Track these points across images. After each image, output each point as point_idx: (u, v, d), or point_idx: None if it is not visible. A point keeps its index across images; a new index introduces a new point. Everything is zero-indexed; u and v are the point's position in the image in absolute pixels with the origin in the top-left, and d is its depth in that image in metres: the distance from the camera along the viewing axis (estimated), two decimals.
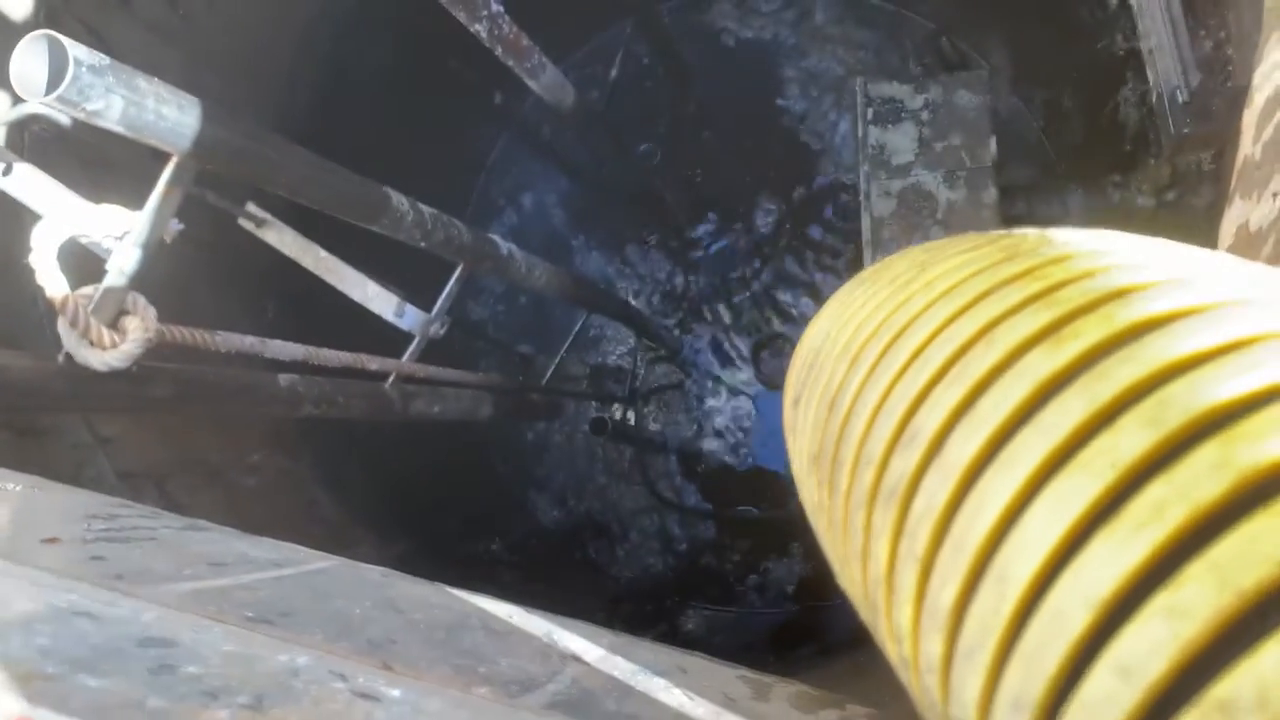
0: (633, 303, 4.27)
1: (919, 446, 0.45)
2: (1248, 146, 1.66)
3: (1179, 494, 0.35)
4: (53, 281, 1.45)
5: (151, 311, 1.61)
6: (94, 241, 1.57)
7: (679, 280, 4.42)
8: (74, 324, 1.49)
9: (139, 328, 1.58)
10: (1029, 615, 0.37)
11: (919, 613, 0.44)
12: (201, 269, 2.87)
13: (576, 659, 0.64)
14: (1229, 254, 0.50)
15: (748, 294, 4.34)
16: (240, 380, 2.01)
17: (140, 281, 1.60)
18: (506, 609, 0.72)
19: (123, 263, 1.55)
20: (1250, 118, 1.69)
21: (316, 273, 2.58)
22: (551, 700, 0.56)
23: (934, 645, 0.42)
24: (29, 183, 1.65)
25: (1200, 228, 2.73)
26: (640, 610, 4.12)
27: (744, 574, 4.18)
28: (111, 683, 0.46)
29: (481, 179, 4.58)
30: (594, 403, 4.33)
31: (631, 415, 4.34)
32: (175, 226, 1.62)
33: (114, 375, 1.58)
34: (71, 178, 1.67)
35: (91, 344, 1.52)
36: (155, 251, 1.58)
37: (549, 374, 4.10)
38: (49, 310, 1.58)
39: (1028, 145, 3.76)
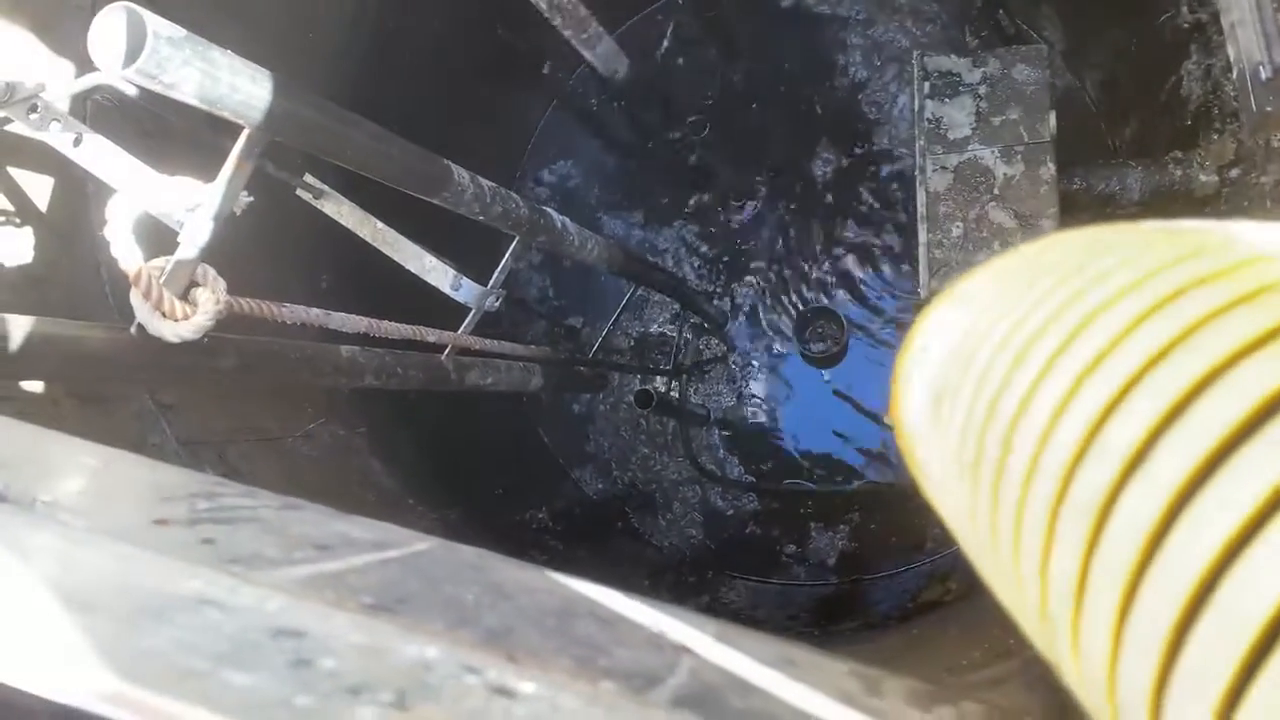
0: (679, 276, 4.25)
1: (1117, 458, 0.42)
2: None
3: None
4: (128, 254, 1.47)
5: (221, 283, 1.63)
6: (166, 214, 1.58)
7: (724, 254, 4.40)
8: (147, 296, 1.50)
9: (210, 299, 1.60)
10: (1262, 658, 0.35)
11: (1121, 638, 0.42)
12: (261, 238, 2.89)
13: (688, 650, 0.64)
14: None
15: (794, 269, 4.31)
16: (304, 351, 2.02)
17: (207, 253, 1.61)
18: (609, 594, 0.72)
19: (195, 235, 1.56)
20: None
21: (374, 244, 2.60)
22: (676, 696, 0.56)
23: (1145, 672, 0.40)
24: (99, 154, 1.67)
25: (1267, 206, 2.67)
26: (682, 580, 4.14)
27: (786, 546, 4.18)
28: (256, 679, 0.46)
29: (528, 150, 4.56)
30: (639, 376, 4.33)
31: (676, 388, 4.34)
32: (246, 199, 1.62)
33: (184, 347, 1.59)
34: (131, 147, 1.68)
35: (164, 315, 1.53)
36: (225, 224, 1.59)
37: (596, 347, 4.10)
38: (115, 282, 1.60)
39: (1086, 120, 3.69)
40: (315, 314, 1.94)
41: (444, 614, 0.62)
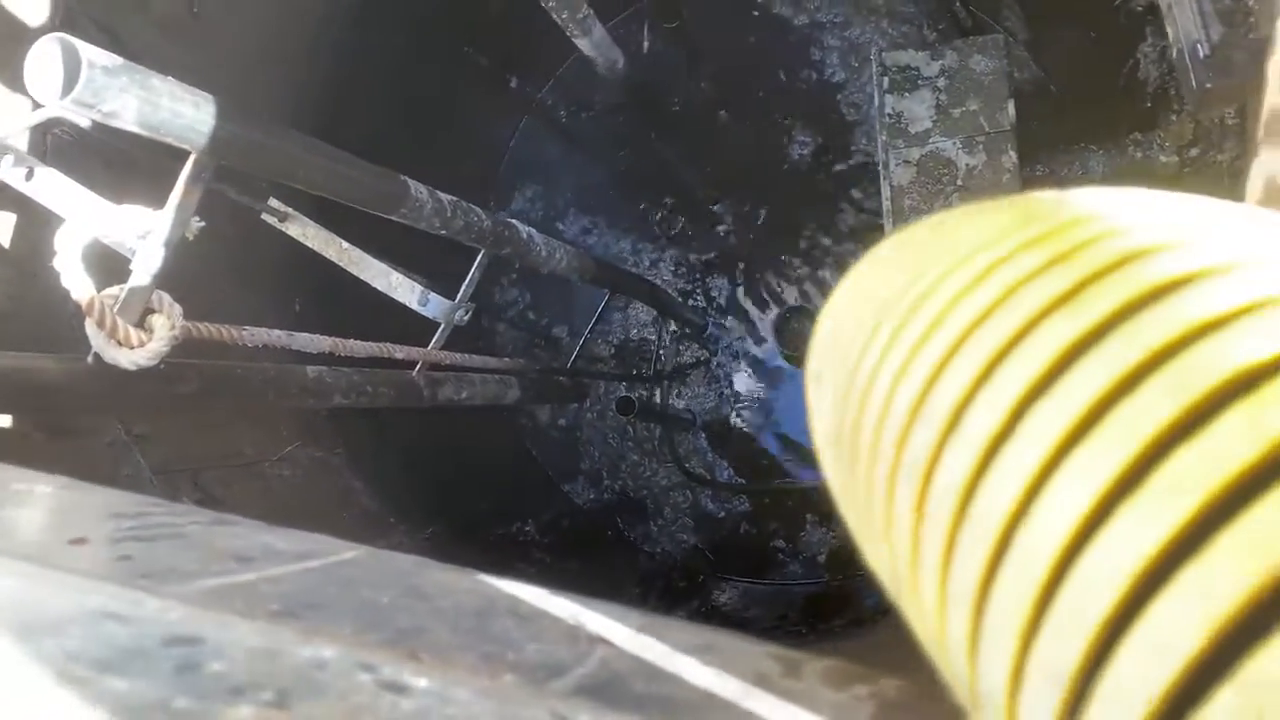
0: (655, 282, 4.26)
1: (938, 420, 0.44)
2: (1274, 96, 1.63)
3: (1205, 462, 0.33)
4: (78, 283, 1.47)
5: (177, 309, 1.63)
6: (118, 242, 1.59)
7: (702, 257, 4.42)
8: (101, 324, 1.51)
9: (165, 326, 1.60)
10: (1055, 593, 0.36)
11: (944, 592, 0.43)
12: (229, 264, 2.89)
13: (605, 641, 0.64)
14: (1258, 207, 0.48)
15: (773, 269, 4.32)
16: (268, 374, 2.03)
17: (167, 279, 1.61)
18: (535, 592, 0.72)
19: (147, 262, 1.56)
20: (1275, 67, 1.66)
21: (340, 264, 2.61)
22: (579, 684, 0.56)
23: (960, 624, 0.42)
24: (52, 186, 1.67)
25: (1225, 183, 2.70)
26: (674, 585, 4.14)
27: (775, 546, 4.19)
28: (138, 683, 0.47)
29: (502, 165, 4.58)
30: (621, 383, 4.34)
31: (658, 394, 4.35)
32: (197, 224, 1.63)
33: (143, 374, 1.60)
34: (95, 178, 1.69)
35: (119, 344, 1.54)
36: (178, 249, 1.60)
37: (574, 355, 4.11)
38: (80, 314, 1.60)
39: (1047, 106, 3.71)
40: (277, 335, 1.94)
41: (353, 617, 0.62)
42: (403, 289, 2.65)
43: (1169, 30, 1.84)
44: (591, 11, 3.16)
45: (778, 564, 4.16)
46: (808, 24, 4.28)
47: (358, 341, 2.16)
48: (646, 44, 4.07)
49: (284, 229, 2.60)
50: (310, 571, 0.72)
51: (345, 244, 2.62)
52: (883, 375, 0.50)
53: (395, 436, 3.52)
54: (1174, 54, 1.81)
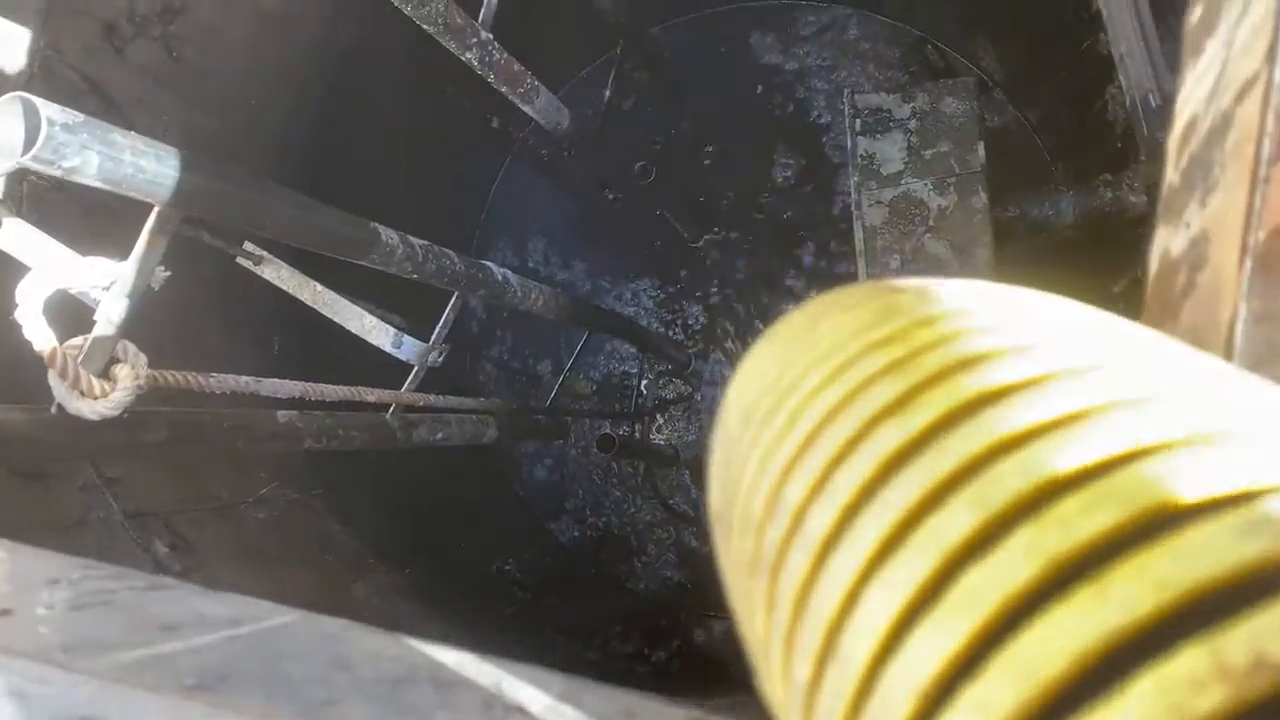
0: (636, 320, 4.29)
1: (785, 517, 0.45)
2: (1170, 172, 1.66)
3: (990, 581, 0.34)
4: (39, 335, 1.49)
5: (142, 359, 1.65)
6: (82, 292, 1.60)
7: (686, 294, 4.44)
8: (64, 375, 1.52)
9: (129, 375, 1.61)
10: (866, 699, 0.37)
11: (787, 688, 0.44)
12: (207, 307, 2.90)
13: (521, 710, 0.65)
14: (1107, 312, 0.49)
15: (754, 306, 4.35)
16: (237, 419, 2.04)
17: (139, 326, 1.63)
18: (458, 658, 0.73)
19: (110, 312, 1.58)
20: (1171, 143, 1.70)
21: (314, 307, 2.62)
22: None
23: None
24: (18, 236, 1.69)
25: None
26: (655, 625, 4.13)
27: None
28: None
29: (486, 205, 4.61)
30: (605, 420, 4.35)
31: (640, 431, 4.36)
32: (163, 274, 1.65)
33: (109, 423, 1.61)
34: (73, 225, 1.70)
35: (82, 394, 1.55)
36: (142, 300, 1.61)
37: (554, 392, 4.12)
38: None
39: (1017, 148, 3.76)
40: (245, 381, 1.96)
41: (267, 690, 0.63)
42: (376, 331, 2.66)
43: (1122, 80, 1.88)
44: (536, 83, 3.21)
45: None
46: (795, 69, 4.33)
47: (329, 385, 2.18)
48: (608, 92, 4.11)
49: (259, 271, 2.61)
50: (235, 640, 0.73)
51: (319, 286, 2.64)
52: (747, 464, 0.51)
53: (374, 476, 3.52)
54: (1127, 102, 1.85)
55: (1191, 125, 0.79)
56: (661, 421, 4.40)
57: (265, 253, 2.61)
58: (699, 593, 4.23)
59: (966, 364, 0.42)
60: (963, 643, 0.34)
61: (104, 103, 2.69)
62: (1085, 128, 3.32)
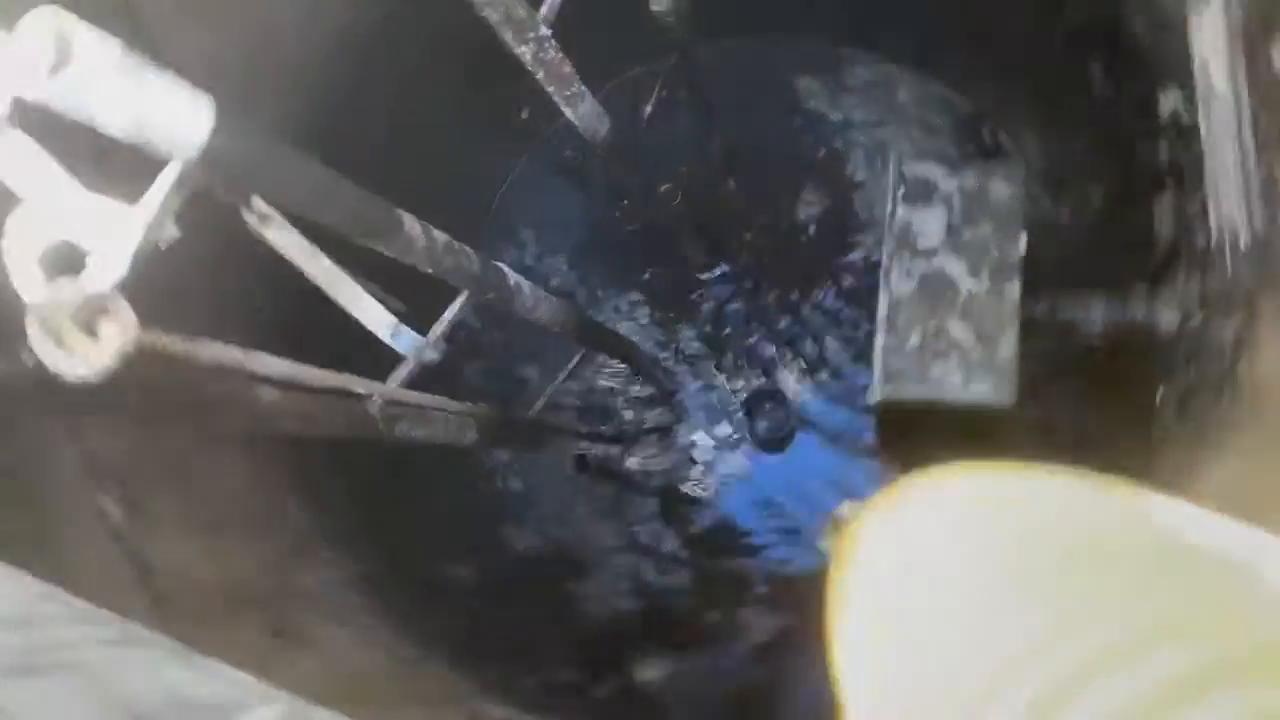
0: (633, 343, 4.18)
1: None
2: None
3: None
4: (27, 277, 1.35)
5: (133, 320, 1.50)
6: (80, 235, 1.46)
7: (680, 326, 4.35)
8: (46, 328, 1.38)
9: (117, 335, 1.47)
10: None
11: None
12: (195, 258, 2.75)
13: None
14: None
15: (749, 351, 4.26)
16: (220, 392, 1.89)
17: (123, 287, 1.48)
18: None
19: (108, 265, 1.43)
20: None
21: (315, 279, 2.48)
22: None
23: None
24: (17, 156, 1.53)
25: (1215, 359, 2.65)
26: (596, 655, 4.01)
27: (711, 624, 4.08)
28: None
29: (498, 198, 4.50)
30: (584, 439, 4.23)
31: (617, 455, 4.25)
32: (172, 233, 1.51)
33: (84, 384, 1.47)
34: (82, 165, 1.55)
35: (63, 351, 1.41)
36: (146, 258, 1.47)
37: (540, 404, 3.99)
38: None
39: (1057, 244, 3.69)
40: (234, 355, 1.82)
41: None
42: (375, 319, 2.54)
43: (1210, 212, 1.79)
44: (584, 88, 3.11)
45: (712, 643, 4.05)
46: (840, 121, 4.25)
47: (317, 370, 2.05)
48: (649, 108, 4.01)
49: (263, 232, 2.47)
50: None
51: (327, 261, 2.51)
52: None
53: (338, 462, 3.37)
54: (1214, 240, 1.76)
55: None
56: (640, 449, 4.29)
57: (273, 210, 2.47)
58: (647, 627, 4.13)
59: None
60: None
61: (133, 26, 2.54)
62: (1129, 237, 3.24)
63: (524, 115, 4.18)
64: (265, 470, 3.04)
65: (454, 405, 2.91)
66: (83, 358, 1.42)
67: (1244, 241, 1.65)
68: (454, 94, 3.94)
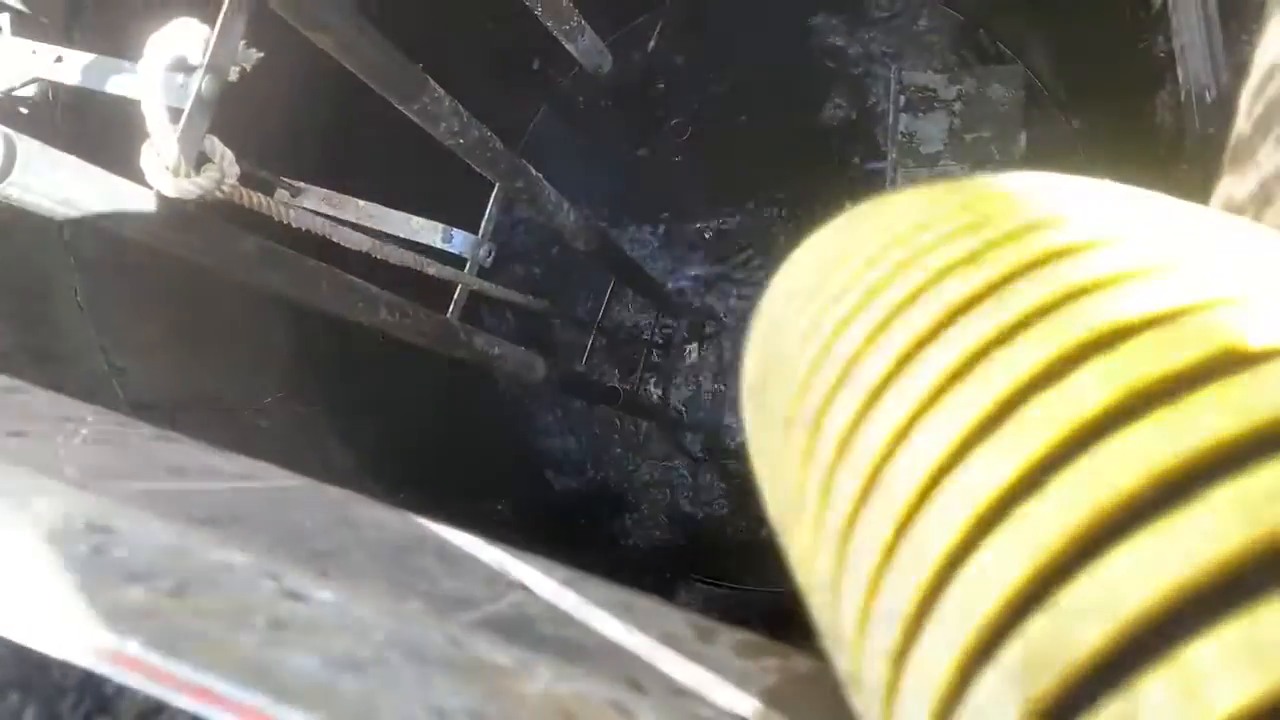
0: (655, 278, 4.26)
1: (836, 366, 0.45)
2: (1241, 124, 1.72)
3: (1061, 404, 0.35)
4: (156, 98, 1.45)
5: (231, 157, 1.61)
6: (184, 58, 1.54)
7: (706, 259, 4.42)
8: (159, 151, 1.50)
9: (215, 177, 1.57)
10: (911, 526, 0.37)
11: (818, 534, 0.43)
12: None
13: (524, 587, 0.65)
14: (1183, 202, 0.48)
15: (765, 275, 4.30)
16: (321, 267, 1.96)
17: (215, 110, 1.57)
18: (465, 538, 0.73)
19: (204, 89, 1.53)
20: (1244, 96, 1.76)
21: (358, 222, 2.55)
22: (485, 619, 0.56)
23: (826, 562, 0.42)
24: None
25: None
26: (639, 582, 4.07)
27: (750, 552, 4.12)
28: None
29: (519, 148, 4.59)
30: (615, 372, 4.30)
31: (650, 389, 4.32)
32: (254, 54, 1.58)
33: (206, 224, 1.57)
34: None
35: (170, 172, 1.51)
36: (225, 80, 1.56)
37: (588, 349, 4.06)
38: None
39: (1059, 143, 3.81)
40: (321, 223, 1.92)
41: (274, 533, 0.64)
42: (425, 230, 2.64)
43: (1179, 73, 1.90)
44: (581, 21, 3.20)
45: (747, 570, 4.09)
46: (858, 52, 4.24)
47: (396, 247, 2.13)
48: (653, 43, 4.07)
49: (299, 203, 2.48)
50: (244, 491, 0.75)
51: (361, 203, 2.61)
52: (797, 331, 0.51)
53: (376, 401, 3.48)
54: (1182, 97, 1.87)
55: (1271, 73, 0.82)
56: (671, 383, 4.37)
57: (302, 184, 2.55)
58: (687, 556, 4.19)
59: (1037, 226, 0.43)
60: (1027, 461, 0.34)
61: None
62: (1129, 130, 3.36)
63: (535, 66, 4.29)
64: (306, 413, 3.12)
65: (517, 297, 2.95)
66: (186, 179, 1.53)
67: (1210, 95, 1.79)
68: (469, 45, 4.01)
